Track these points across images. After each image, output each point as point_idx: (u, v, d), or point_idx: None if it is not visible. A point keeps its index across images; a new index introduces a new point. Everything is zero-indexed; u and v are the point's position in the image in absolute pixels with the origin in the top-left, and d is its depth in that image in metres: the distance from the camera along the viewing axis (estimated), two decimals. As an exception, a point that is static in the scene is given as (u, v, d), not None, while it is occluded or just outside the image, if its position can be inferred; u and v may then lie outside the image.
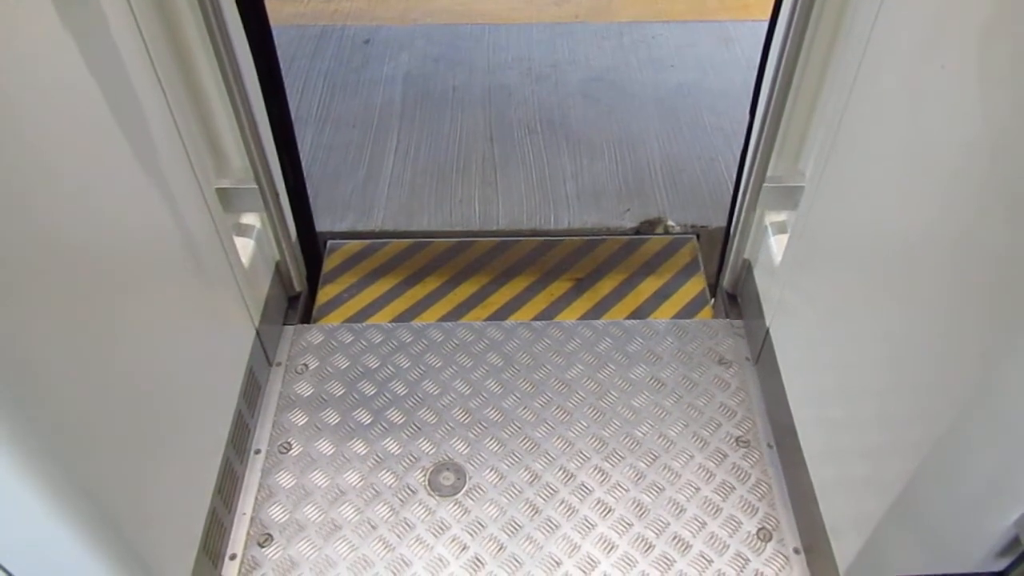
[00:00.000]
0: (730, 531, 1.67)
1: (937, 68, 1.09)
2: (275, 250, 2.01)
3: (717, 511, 1.70)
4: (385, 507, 1.71)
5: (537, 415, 1.89)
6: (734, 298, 2.14)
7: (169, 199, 1.41)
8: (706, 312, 2.19)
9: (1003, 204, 0.96)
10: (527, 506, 1.72)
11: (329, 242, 2.32)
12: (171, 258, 1.43)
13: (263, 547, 1.65)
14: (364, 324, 2.11)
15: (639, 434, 1.84)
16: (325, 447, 1.82)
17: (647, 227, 2.30)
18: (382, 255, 2.28)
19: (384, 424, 1.87)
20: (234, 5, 1.60)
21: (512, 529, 1.68)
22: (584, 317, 2.14)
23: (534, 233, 2.29)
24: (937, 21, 1.11)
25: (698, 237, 2.29)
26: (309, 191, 2.15)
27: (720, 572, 1.61)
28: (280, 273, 2.06)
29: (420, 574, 1.61)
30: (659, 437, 1.84)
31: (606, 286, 2.21)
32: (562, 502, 1.72)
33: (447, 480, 1.76)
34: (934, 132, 1.12)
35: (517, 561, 1.63)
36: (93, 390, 1.13)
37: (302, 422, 1.87)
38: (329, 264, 2.29)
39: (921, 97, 1.16)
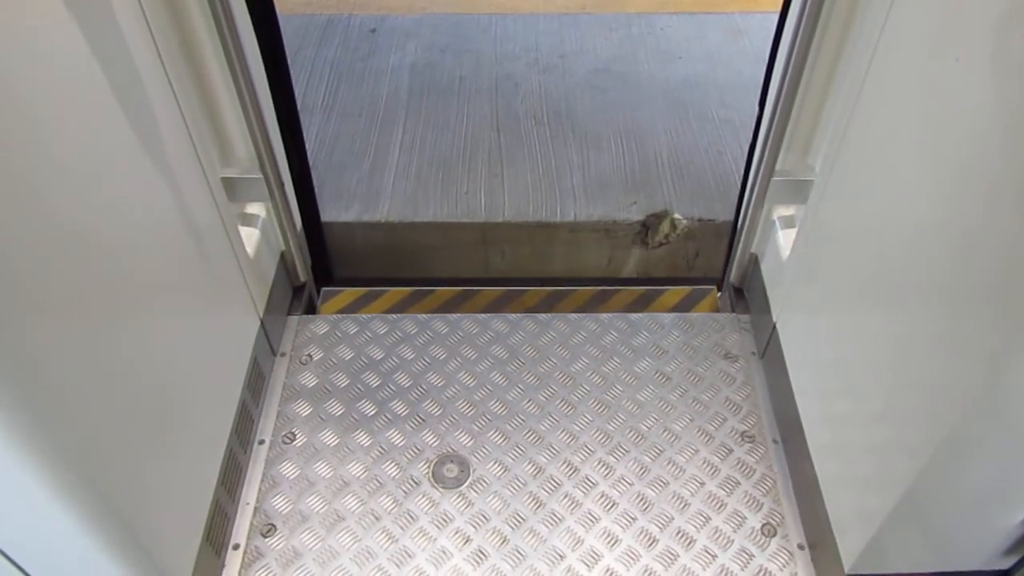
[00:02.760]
0: (734, 526, 1.67)
1: (951, 61, 1.07)
2: (280, 240, 2.00)
3: (721, 506, 1.70)
4: (388, 499, 1.71)
5: (541, 408, 1.88)
6: (741, 292, 2.13)
7: (174, 188, 1.40)
8: (712, 306, 2.18)
9: (1014, 200, 0.94)
10: (531, 499, 1.71)
11: (323, 290, 2.23)
12: (176, 247, 1.42)
13: (266, 537, 1.65)
14: (369, 315, 2.10)
15: (644, 428, 1.84)
16: (329, 438, 1.82)
17: (654, 220, 2.28)
18: (381, 304, 2.20)
19: (388, 415, 1.86)
20: (240, -7, 1.59)
21: (515, 522, 1.68)
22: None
23: (540, 225, 2.28)
24: (951, 13, 1.10)
25: (719, 287, 2.24)
26: (314, 181, 2.14)
27: (724, 567, 1.61)
28: (285, 263, 2.05)
29: (423, 566, 1.61)
30: (664, 431, 1.83)
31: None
32: (566, 495, 1.72)
33: (451, 472, 1.76)
34: (947, 126, 1.10)
35: (520, 554, 1.63)
36: (97, 380, 1.12)
37: (306, 413, 1.87)
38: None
39: (934, 90, 1.14)
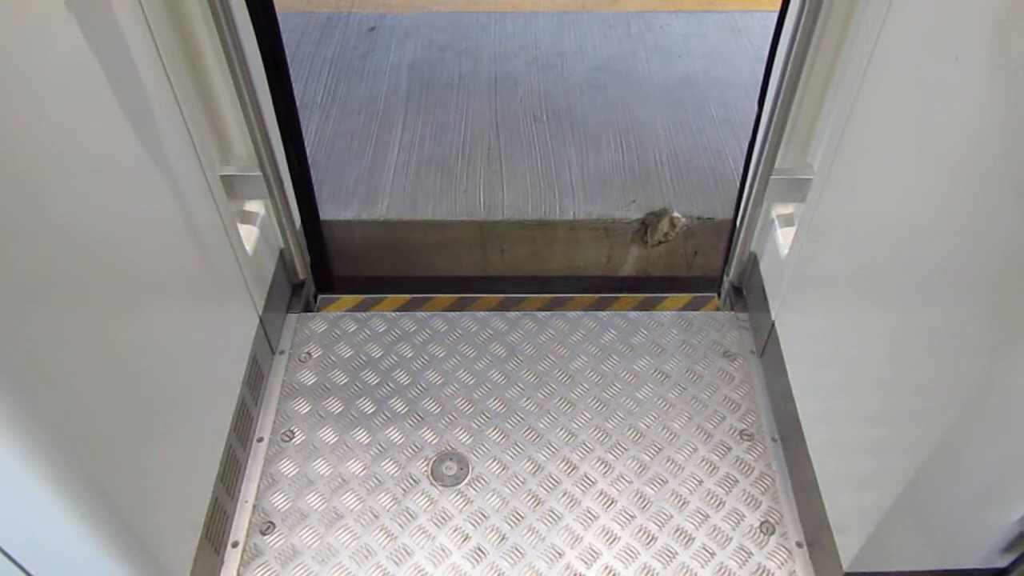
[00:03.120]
0: (733, 524, 1.67)
1: (951, 59, 1.08)
2: (279, 238, 2.00)
3: (720, 504, 1.70)
4: (387, 496, 1.71)
5: (540, 406, 1.88)
6: (739, 291, 2.13)
7: (173, 186, 1.40)
8: (711, 304, 2.18)
9: (1012, 198, 0.94)
10: (529, 497, 1.72)
11: (320, 296, 2.20)
12: (175, 245, 1.42)
13: (265, 535, 1.65)
14: (368, 313, 2.10)
15: (642, 426, 1.84)
16: (328, 436, 1.82)
17: (653, 218, 2.28)
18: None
19: (387, 413, 1.86)
20: (240, -9, 1.58)
21: (514, 520, 1.68)
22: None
23: (540, 223, 2.28)
24: (951, 12, 1.10)
25: (719, 294, 2.24)
26: (314, 179, 2.14)
27: (722, 565, 1.61)
28: (284, 261, 2.05)
29: (422, 564, 1.61)
30: (663, 429, 1.83)
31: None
32: (564, 493, 1.72)
33: (449, 470, 1.76)
34: (946, 124, 1.11)
35: (519, 552, 1.63)
36: (97, 377, 1.12)
37: (305, 410, 1.87)
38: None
39: (933, 89, 1.14)
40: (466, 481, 1.75)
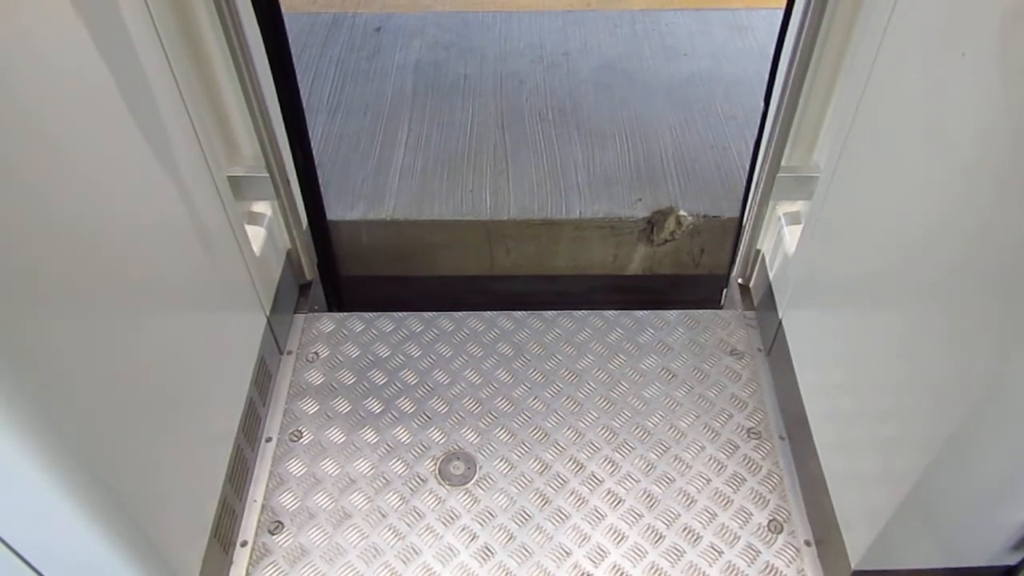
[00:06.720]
0: (740, 523, 1.67)
1: (958, 56, 1.07)
2: (286, 238, 2.01)
3: (728, 502, 1.70)
4: (395, 496, 1.72)
5: (547, 405, 1.88)
6: (746, 289, 2.13)
7: (181, 187, 1.41)
8: (718, 303, 2.18)
9: (1022, 195, 0.94)
10: (537, 496, 1.72)
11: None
12: (182, 246, 1.43)
13: (273, 534, 1.65)
14: (374, 313, 2.11)
15: (649, 425, 1.84)
16: (336, 435, 1.82)
17: (659, 217, 2.28)
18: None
19: (394, 413, 1.87)
20: (246, -8, 1.59)
21: (522, 519, 1.68)
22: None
23: (545, 222, 2.28)
24: (958, 8, 1.09)
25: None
26: (320, 179, 2.14)
27: (730, 564, 1.61)
28: (291, 261, 2.06)
29: (430, 563, 1.61)
30: (670, 428, 1.83)
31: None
32: (572, 492, 1.72)
33: (457, 469, 1.77)
34: (953, 121, 1.10)
35: (526, 551, 1.63)
36: (105, 377, 1.13)
37: (313, 410, 1.87)
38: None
39: (941, 86, 1.14)
40: (473, 480, 1.75)
